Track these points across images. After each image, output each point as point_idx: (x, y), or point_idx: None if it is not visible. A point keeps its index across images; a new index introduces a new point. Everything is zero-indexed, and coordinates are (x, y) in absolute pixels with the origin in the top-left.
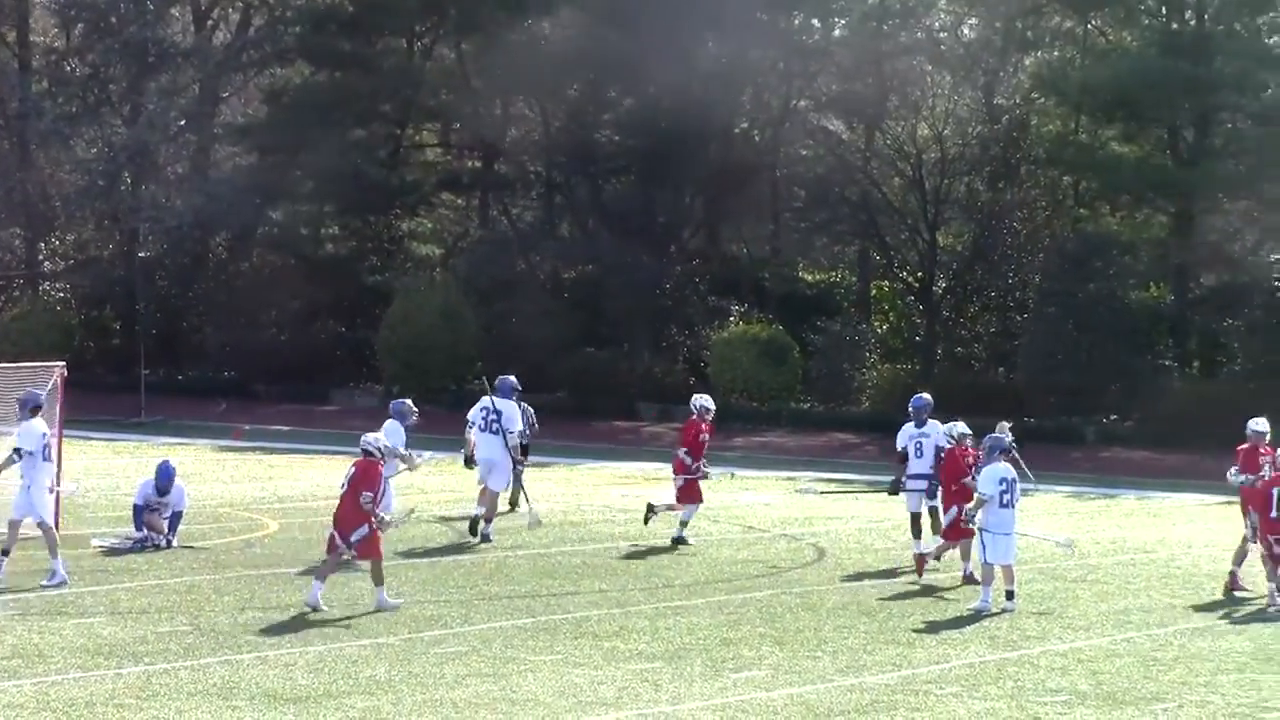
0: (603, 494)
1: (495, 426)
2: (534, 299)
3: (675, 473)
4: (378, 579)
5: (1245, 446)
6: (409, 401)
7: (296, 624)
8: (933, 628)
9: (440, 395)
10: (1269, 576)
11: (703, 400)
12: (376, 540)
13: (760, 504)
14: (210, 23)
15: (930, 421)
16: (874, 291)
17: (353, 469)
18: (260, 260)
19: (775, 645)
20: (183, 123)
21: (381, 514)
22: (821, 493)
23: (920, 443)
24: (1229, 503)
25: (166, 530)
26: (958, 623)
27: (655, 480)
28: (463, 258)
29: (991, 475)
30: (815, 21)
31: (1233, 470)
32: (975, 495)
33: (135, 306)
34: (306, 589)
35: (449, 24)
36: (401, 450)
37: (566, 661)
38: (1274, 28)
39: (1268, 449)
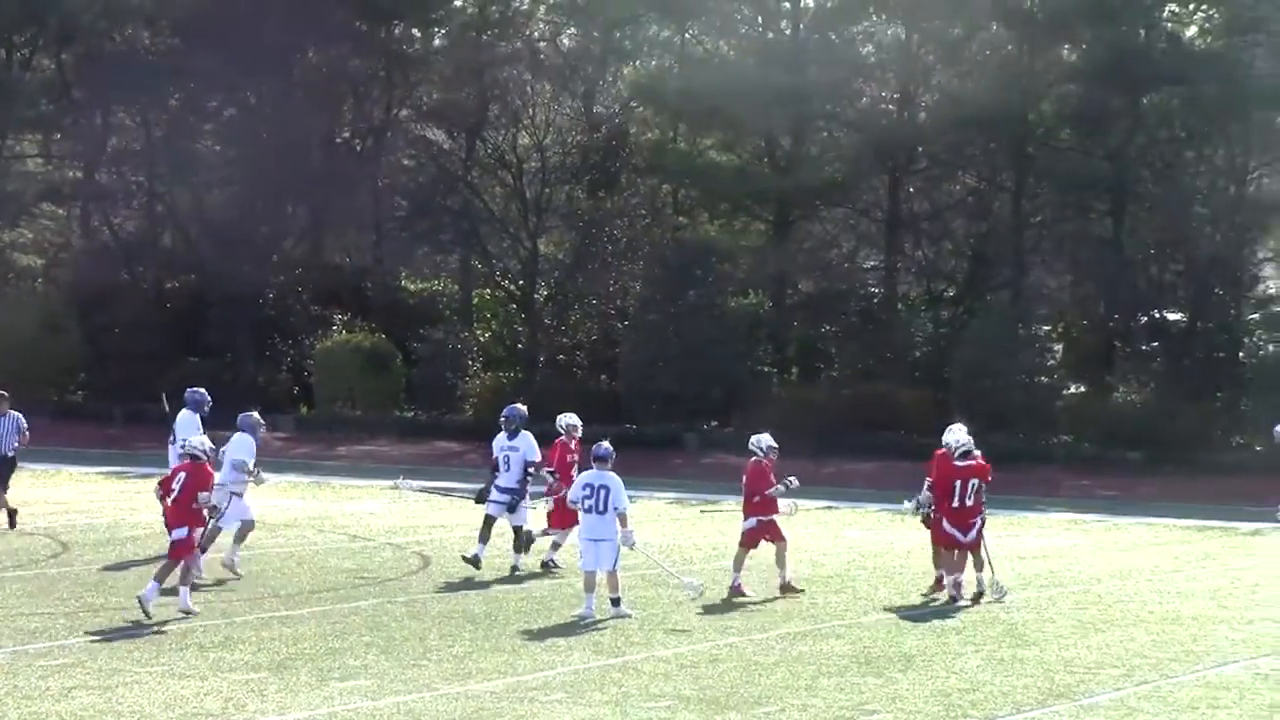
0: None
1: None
2: (136, 309)
3: (546, 494)
4: (184, 579)
5: (940, 452)
6: (256, 414)
7: None
8: (538, 635)
9: (43, 406)
10: (947, 569)
11: (569, 419)
12: (193, 542)
13: (365, 513)
14: None
15: (523, 434)
16: (476, 300)
17: (184, 475)
18: None
19: (381, 654)
20: None
21: (215, 503)
22: (419, 489)
23: (509, 456)
24: (828, 508)
25: None
26: (563, 630)
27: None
28: (64, 268)
29: (578, 482)
30: (415, 31)
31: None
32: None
33: None
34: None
35: (48, 34)
36: (250, 465)
37: (171, 673)
38: (868, 36)
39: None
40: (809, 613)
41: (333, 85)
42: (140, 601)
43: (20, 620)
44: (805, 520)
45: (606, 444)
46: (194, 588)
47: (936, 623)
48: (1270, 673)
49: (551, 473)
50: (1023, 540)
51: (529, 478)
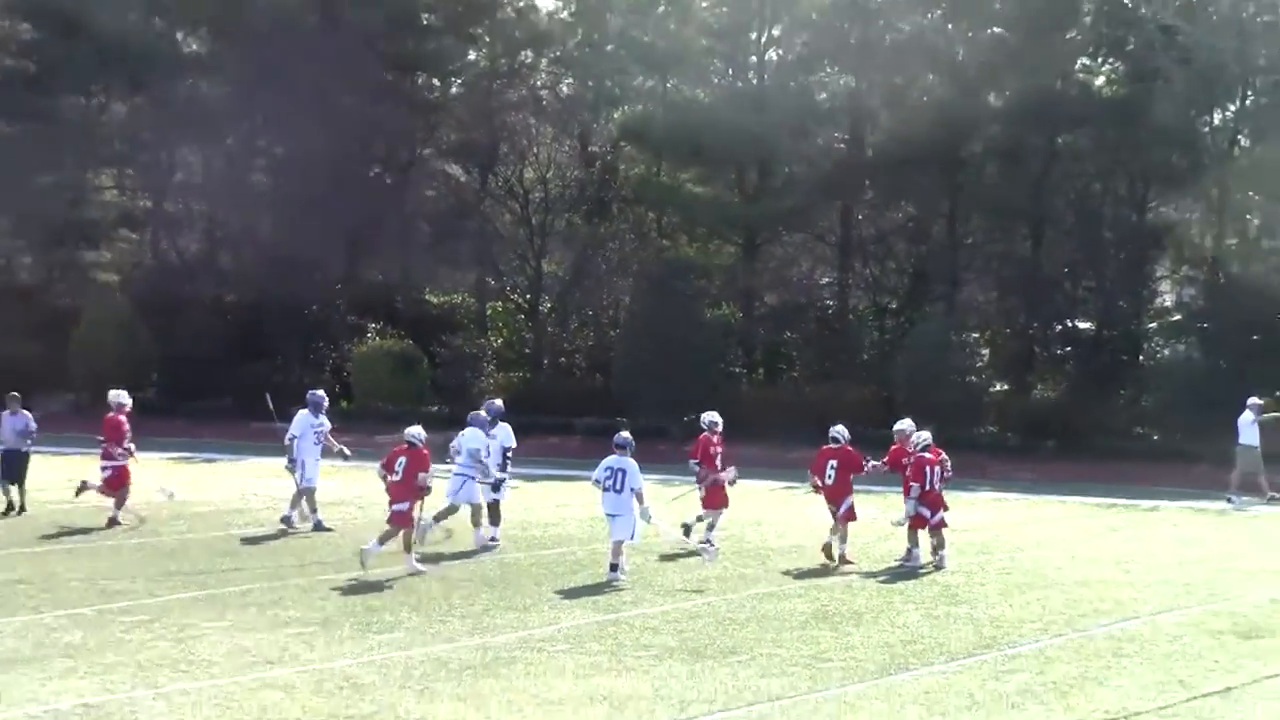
0: (266, 484)
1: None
2: (199, 320)
3: (698, 483)
4: (406, 546)
5: (895, 446)
6: (484, 412)
7: (4, 597)
8: (546, 595)
9: None
10: (912, 542)
11: (711, 416)
12: (411, 515)
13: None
14: None
15: (501, 424)
16: (490, 311)
17: (404, 459)
18: None
19: (412, 611)
20: None
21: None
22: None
23: (488, 445)
24: (790, 488)
25: None
26: (567, 591)
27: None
28: (138, 284)
29: (601, 465)
30: (436, 81)
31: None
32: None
33: None
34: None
35: (122, 82)
36: (483, 455)
37: (235, 627)
38: (823, 86)
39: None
40: (774, 577)
41: (366, 128)
42: (362, 556)
43: (106, 583)
44: (772, 499)
45: (626, 434)
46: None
47: (882, 585)
48: (1166, 627)
49: (698, 464)
50: (955, 516)
51: (507, 461)
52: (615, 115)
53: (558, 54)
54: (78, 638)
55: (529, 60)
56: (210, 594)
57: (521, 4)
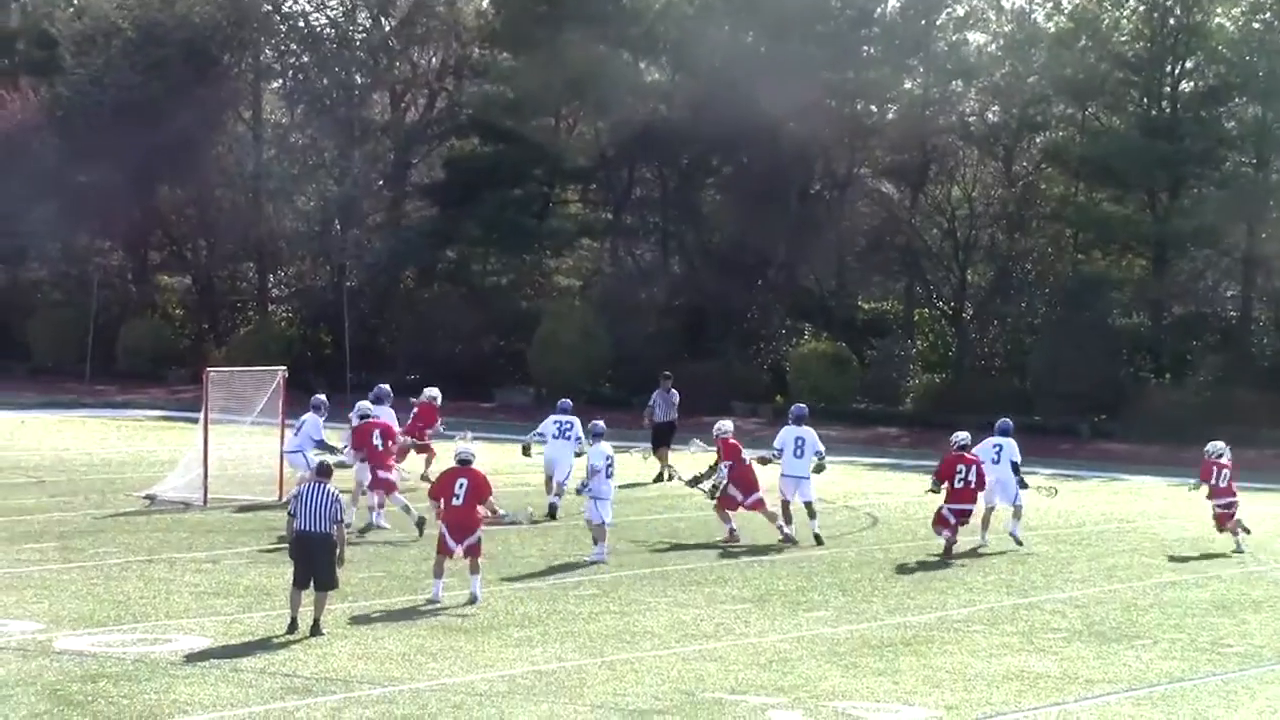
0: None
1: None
2: (651, 321)
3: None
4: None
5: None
6: (600, 423)
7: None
8: (961, 579)
9: (578, 395)
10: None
11: (962, 438)
12: (763, 503)
13: (823, 481)
14: (403, 105)
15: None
16: (916, 317)
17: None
18: (439, 290)
19: (839, 592)
20: (380, 182)
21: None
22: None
23: (802, 440)
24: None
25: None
26: (980, 576)
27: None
28: (596, 289)
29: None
30: (873, 108)
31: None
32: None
33: (342, 325)
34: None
35: (588, 106)
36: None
37: (676, 603)
38: (1231, 114)
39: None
40: (1176, 567)
41: (807, 148)
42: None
43: (557, 560)
44: (1175, 495)
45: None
46: None
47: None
48: None
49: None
50: None
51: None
52: (1037, 140)
53: (985, 84)
54: (533, 609)
55: (959, 89)
56: (654, 571)
57: (954, 38)
